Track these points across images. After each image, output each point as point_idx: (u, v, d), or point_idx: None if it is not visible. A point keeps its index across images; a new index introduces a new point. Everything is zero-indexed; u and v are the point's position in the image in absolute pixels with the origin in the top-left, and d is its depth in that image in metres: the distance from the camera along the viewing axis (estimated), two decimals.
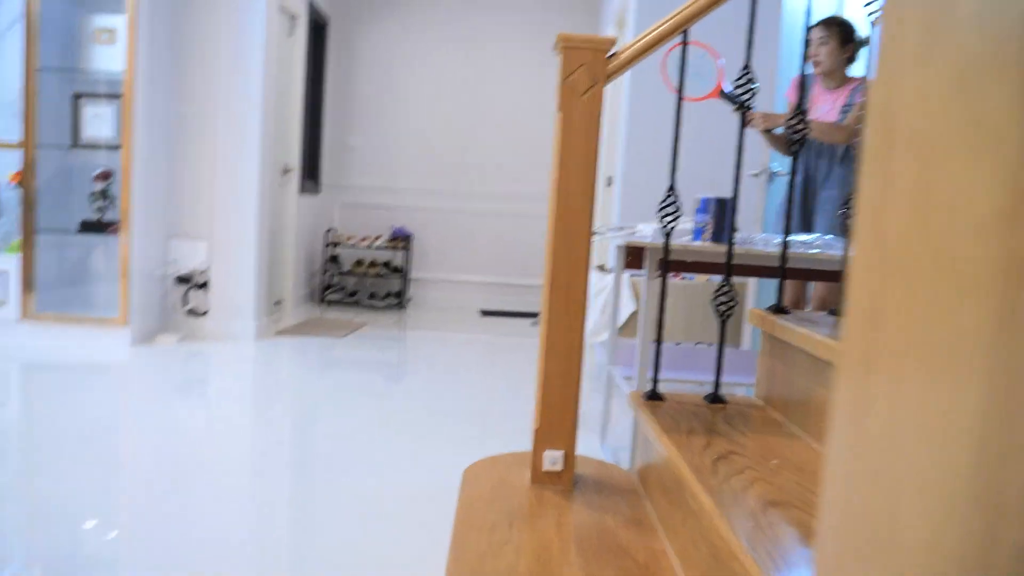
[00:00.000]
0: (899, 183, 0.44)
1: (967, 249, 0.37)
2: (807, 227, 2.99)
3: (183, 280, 4.31)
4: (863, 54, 2.97)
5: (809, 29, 1.68)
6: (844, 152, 2.92)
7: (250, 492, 2.22)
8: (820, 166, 2.99)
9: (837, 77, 2.96)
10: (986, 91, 0.37)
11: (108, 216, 4.08)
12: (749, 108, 2.83)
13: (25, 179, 3.91)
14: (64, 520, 1.91)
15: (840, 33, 2.92)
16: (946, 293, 0.39)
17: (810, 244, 2.28)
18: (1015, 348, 0.34)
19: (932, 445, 0.39)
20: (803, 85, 1.70)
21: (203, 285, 4.35)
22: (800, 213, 3.00)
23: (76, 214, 4.12)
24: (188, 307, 4.34)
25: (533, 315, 6.21)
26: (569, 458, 1.72)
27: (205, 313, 4.37)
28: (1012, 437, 0.33)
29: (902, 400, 0.42)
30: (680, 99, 1.68)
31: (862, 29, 2.96)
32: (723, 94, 2.17)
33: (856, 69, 2.98)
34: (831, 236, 2.55)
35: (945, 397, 0.38)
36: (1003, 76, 0.35)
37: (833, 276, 2.43)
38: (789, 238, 1.77)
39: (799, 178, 2.99)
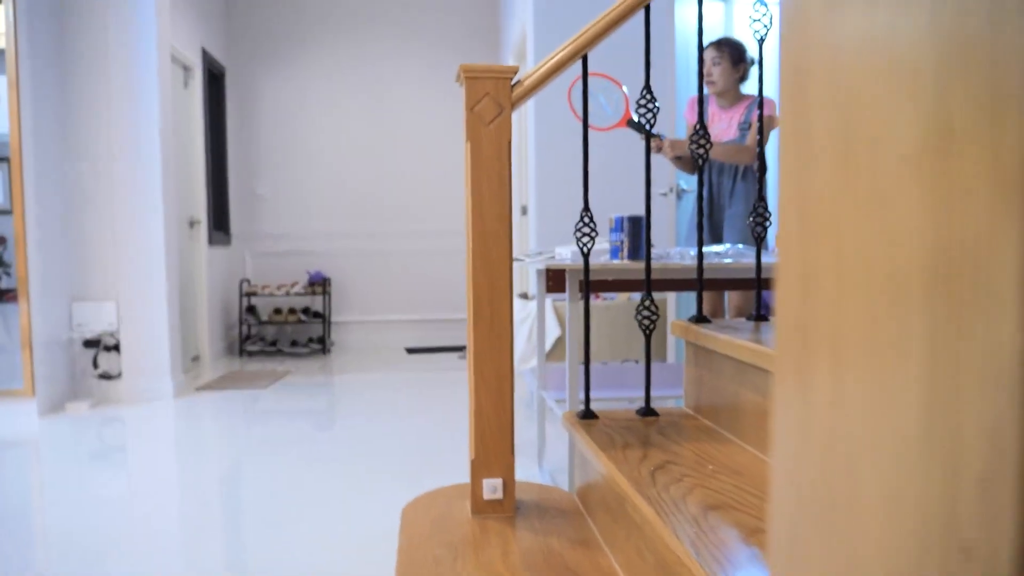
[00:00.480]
0: (818, 140, 0.44)
1: (896, 186, 0.37)
2: (717, 241, 3.10)
3: (91, 343, 4.12)
4: (754, 73, 3.12)
5: (702, 50, 1.76)
6: (745, 169, 3.04)
7: (182, 559, 2.11)
8: (723, 183, 3.11)
9: (731, 96, 3.10)
10: (897, 28, 0.37)
11: (4, 284, 3.87)
12: (658, 136, 2.93)
13: None
14: None
15: (731, 53, 3.06)
16: (877, 238, 0.39)
17: (723, 254, 2.36)
18: (954, 278, 0.34)
19: (880, 395, 0.38)
20: (701, 104, 1.76)
21: (114, 347, 4.16)
22: (709, 228, 3.10)
23: None
24: (99, 371, 4.14)
25: (460, 348, 6.19)
26: (508, 485, 1.71)
27: (118, 375, 4.18)
28: (961, 371, 0.33)
29: (844, 356, 0.42)
30: (586, 123, 1.72)
31: (751, 49, 3.11)
32: (631, 123, 2.23)
33: (748, 87, 3.12)
34: (742, 245, 2.64)
35: (889, 338, 0.38)
36: (914, 10, 0.36)
37: (747, 284, 2.52)
38: (703, 249, 1.83)
39: (705, 194, 3.09)
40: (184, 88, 5.36)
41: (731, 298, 3.18)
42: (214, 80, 5.99)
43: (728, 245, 2.61)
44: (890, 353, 0.38)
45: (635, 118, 2.00)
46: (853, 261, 0.41)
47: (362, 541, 2.15)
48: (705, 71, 3.07)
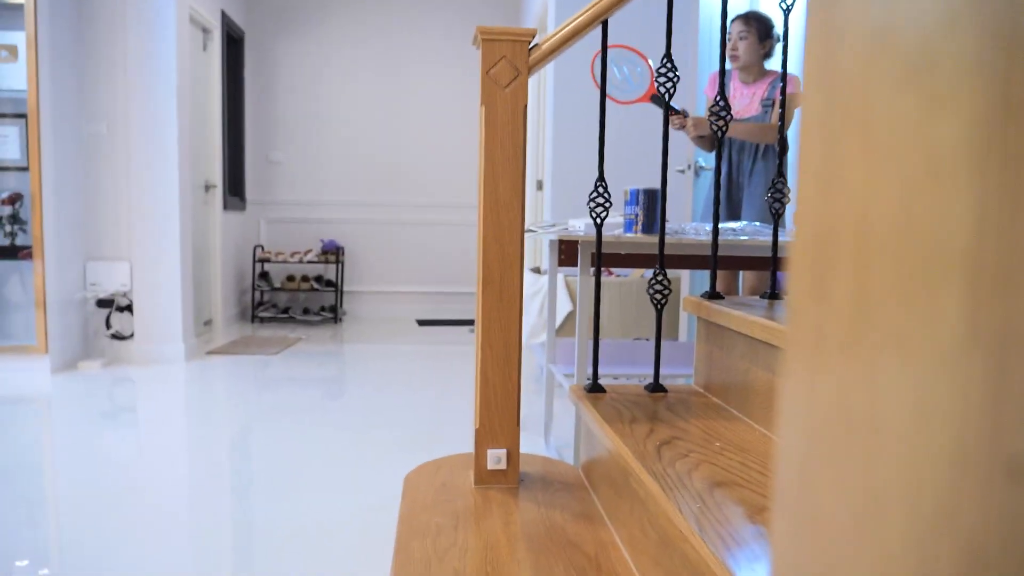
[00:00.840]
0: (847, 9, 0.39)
1: (941, 47, 0.32)
2: (735, 220, 3.05)
3: (104, 303, 4.14)
4: (778, 50, 3.05)
5: (728, 23, 1.71)
6: (765, 148, 2.99)
7: (190, 517, 2.12)
8: (743, 162, 3.05)
9: (755, 71, 3.03)
10: None
11: (19, 241, 3.89)
12: (682, 113, 2.88)
13: None
14: None
15: (759, 28, 2.99)
16: (914, 110, 0.34)
17: (739, 231, 2.32)
18: (1009, 140, 0.29)
19: (913, 290, 0.34)
20: (723, 77, 1.72)
21: (127, 307, 4.18)
22: (727, 207, 3.06)
23: None
24: (111, 331, 4.16)
25: (471, 322, 6.18)
26: (513, 455, 1.69)
27: (130, 336, 4.20)
28: (1015, 257, 0.29)
29: (871, 239, 0.37)
30: (603, 90, 1.68)
31: (778, 24, 3.03)
32: (654, 98, 2.18)
33: (773, 64, 3.06)
34: (759, 223, 2.60)
35: (928, 219, 0.33)
36: None
37: (763, 264, 2.47)
38: (719, 225, 1.79)
39: (724, 172, 3.04)
40: (203, 51, 5.33)
41: (745, 278, 3.13)
42: (233, 44, 5.96)
43: (745, 222, 2.56)
44: (927, 237, 0.33)
45: (660, 93, 1.96)
46: (887, 139, 0.36)
47: (366, 507, 2.15)
48: (730, 45, 3.00)
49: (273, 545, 1.92)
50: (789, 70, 1.84)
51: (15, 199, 3.89)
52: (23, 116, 3.80)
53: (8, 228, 3.89)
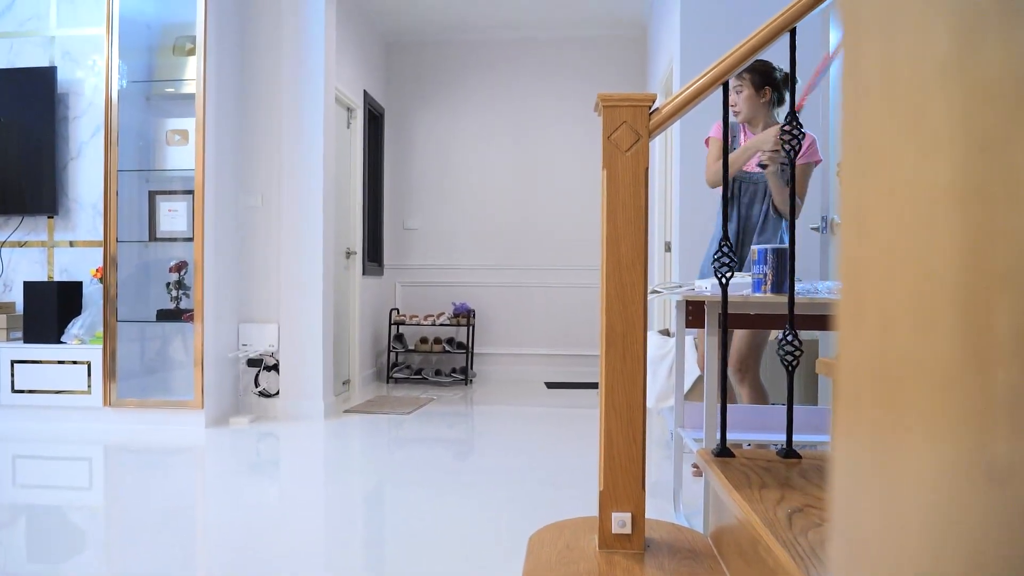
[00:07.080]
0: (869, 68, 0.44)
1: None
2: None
3: (254, 363, 4.43)
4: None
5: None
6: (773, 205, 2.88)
7: (324, 565, 2.21)
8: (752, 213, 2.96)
9: (759, 121, 2.90)
10: None
11: (183, 304, 4.25)
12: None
13: (106, 274, 4.12)
14: None
15: (753, 78, 2.86)
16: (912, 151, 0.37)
17: None
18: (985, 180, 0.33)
19: (920, 311, 0.38)
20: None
21: (273, 367, 4.46)
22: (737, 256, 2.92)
23: (154, 304, 4.31)
24: (259, 389, 4.44)
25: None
26: (638, 520, 1.67)
27: (276, 394, 4.46)
28: (993, 271, 0.32)
29: (892, 289, 0.41)
30: (726, 145, 1.68)
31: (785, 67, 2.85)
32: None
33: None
34: None
35: (924, 240, 0.37)
36: None
37: None
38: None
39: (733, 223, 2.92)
40: (347, 128, 5.72)
41: None
42: (373, 120, 6.36)
43: None
44: (926, 265, 0.37)
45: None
46: (897, 182, 0.41)
47: (490, 565, 2.16)
48: (730, 100, 2.86)
49: None
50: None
51: (181, 267, 4.27)
52: (191, 192, 4.20)
53: (174, 293, 4.27)
